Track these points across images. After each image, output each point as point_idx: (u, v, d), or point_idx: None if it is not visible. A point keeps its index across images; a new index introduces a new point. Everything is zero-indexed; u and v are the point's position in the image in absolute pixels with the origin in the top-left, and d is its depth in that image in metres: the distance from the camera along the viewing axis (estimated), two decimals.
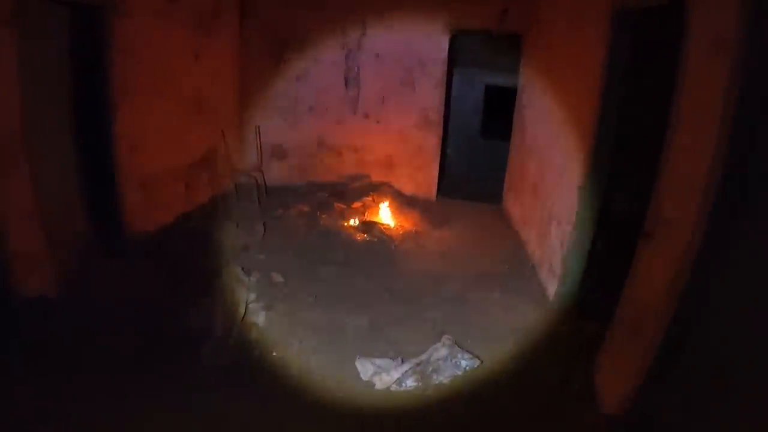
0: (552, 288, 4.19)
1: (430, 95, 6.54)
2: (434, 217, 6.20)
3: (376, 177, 6.88)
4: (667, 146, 2.50)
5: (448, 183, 7.46)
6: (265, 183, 6.33)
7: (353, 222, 5.59)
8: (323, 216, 5.77)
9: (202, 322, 3.36)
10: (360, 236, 5.21)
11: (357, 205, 6.15)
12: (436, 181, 6.88)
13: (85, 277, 3.70)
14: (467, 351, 3.27)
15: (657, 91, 2.78)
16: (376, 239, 5.14)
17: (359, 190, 6.62)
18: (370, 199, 6.35)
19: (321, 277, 4.34)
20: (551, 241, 4.43)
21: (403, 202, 6.54)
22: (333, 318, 3.69)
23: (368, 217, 5.85)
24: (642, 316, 2.57)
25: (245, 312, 3.63)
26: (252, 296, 3.86)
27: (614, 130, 3.53)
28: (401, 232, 5.57)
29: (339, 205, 6.09)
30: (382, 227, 5.52)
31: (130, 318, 3.35)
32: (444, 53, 6.38)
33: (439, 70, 6.45)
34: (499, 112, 9.27)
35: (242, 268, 4.22)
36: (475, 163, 8.90)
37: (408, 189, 6.87)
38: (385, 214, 5.96)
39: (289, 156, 6.87)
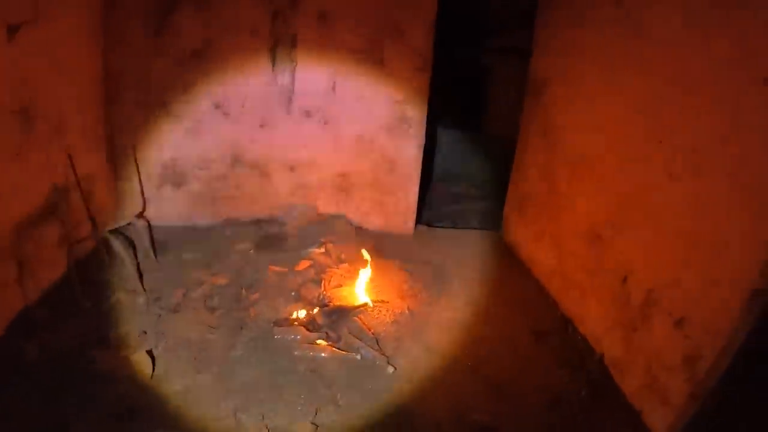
0: (660, 421, 2.71)
1: (408, 79, 4.45)
2: (423, 271, 4.24)
3: (326, 207, 4.78)
4: None
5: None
6: (151, 236, 4.00)
7: (306, 310, 3.49)
8: (252, 297, 3.63)
9: None
10: (326, 347, 3.15)
11: (304, 265, 4.03)
12: (415, 209, 4.87)
13: None
14: None
15: None
16: (356, 353, 3.12)
17: (303, 232, 4.49)
18: (322, 251, 4.24)
19: None
20: (655, 344, 2.81)
21: (373, 245, 4.49)
22: None
23: (327, 291, 3.76)
24: None
25: None
26: None
27: None
28: (389, 320, 3.56)
29: (275, 269, 3.95)
30: (354, 313, 3.49)
31: None
32: (432, 12, 4.25)
33: (422, 38, 4.33)
34: (456, 94, 7.36)
35: None
36: (436, 161, 6.98)
37: (374, 222, 4.86)
38: (352, 281, 3.90)
39: (188, 180, 4.54)
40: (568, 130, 3.99)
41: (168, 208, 4.53)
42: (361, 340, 3.23)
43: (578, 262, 3.75)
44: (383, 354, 3.17)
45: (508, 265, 4.64)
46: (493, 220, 5.31)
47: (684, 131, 2.70)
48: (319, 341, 3.20)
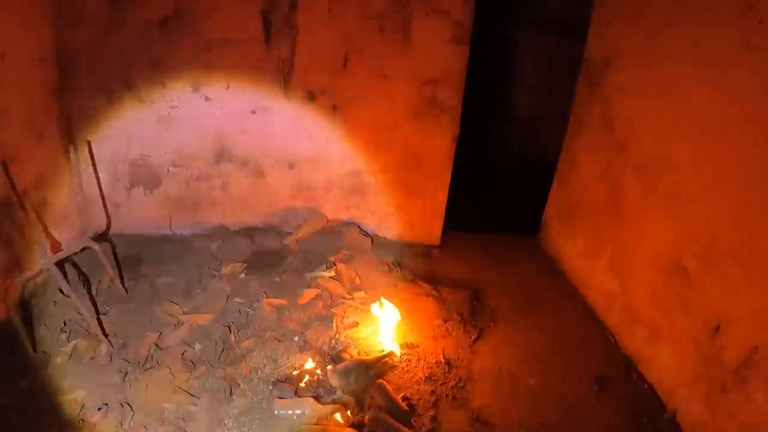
0: None
1: (440, 54, 3.69)
2: (457, 297, 3.59)
3: (334, 212, 4.10)
4: None
5: None
6: (117, 261, 3.31)
7: (315, 365, 2.82)
8: (244, 344, 2.97)
9: None
10: (344, 428, 2.49)
11: (309, 295, 3.39)
12: (443, 213, 4.17)
13: None
14: None
15: None
16: None
17: (306, 247, 3.80)
18: (331, 274, 3.56)
19: None
20: (752, 414, 2.32)
21: (391, 260, 3.83)
22: None
23: (340, 333, 3.11)
24: None
25: None
26: None
27: None
28: (422, 375, 2.90)
29: (272, 302, 3.29)
30: (378, 369, 2.84)
31: None
32: None
33: (460, 3, 3.53)
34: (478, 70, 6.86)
35: None
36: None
37: (394, 230, 4.21)
38: (371, 317, 3.23)
39: (164, 181, 3.84)
40: (643, 127, 3.27)
41: (141, 215, 3.88)
42: (389, 413, 2.56)
43: (650, 295, 3.14)
44: None
45: (553, 285, 4.03)
46: (527, 223, 4.66)
47: None
48: (335, 417, 2.54)
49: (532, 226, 4.65)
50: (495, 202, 5.31)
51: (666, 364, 2.95)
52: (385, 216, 4.13)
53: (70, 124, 3.53)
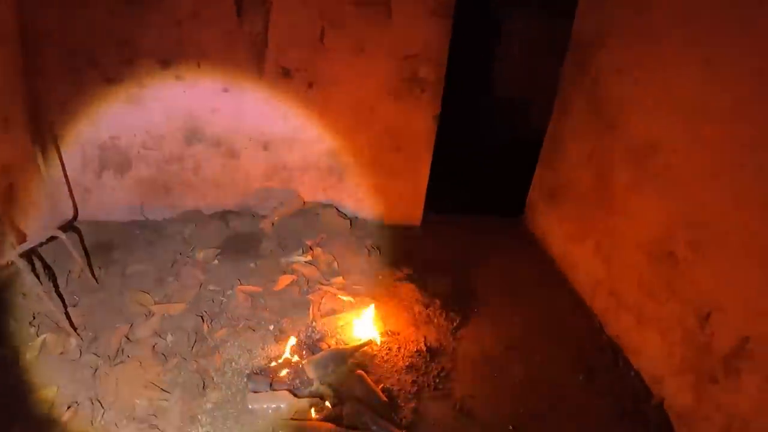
0: None
1: (421, 28, 3.58)
2: (439, 281, 3.55)
3: (311, 194, 4.02)
4: None
5: None
6: (85, 250, 3.22)
7: (290, 355, 2.79)
8: (217, 334, 2.92)
9: None
10: (320, 423, 2.45)
11: (285, 281, 3.32)
12: (424, 194, 4.13)
13: None
14: None
15: None
16: (363, 430, 2.44)
17: (282, 230, 3.74)
18: (308, 258, 3.50)
19: None
20: (742, 405, 2.31)
21: (370, 243, 3.78)
22: None
23: (317, 321, 3.06)
24: None
25: None
26: None
27: None
28: (403, 365, 2.86)
29: (246, 289, 3.24)
30: (357, 359, 2.81)
31: None
32: None
33: None
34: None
35: None
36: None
37: (373, 211, 4.16)
38: (349, 302, 3.19)
39: (134, 164, 3.72)
40: (632, 108, 3.22)
41: (112, 200, 3.77)
42: (369, 405, 2.53)
43: (637, 281, 3.12)
44: (400, 428, 2.49)
45: (538, 269, 4.02)
46: (511, 204, 4.66)
47: None
48: (311, 411, 2.50)
49: (516, 209, 4.63)
50: (479, 184, 5.28)
51: (653, 351, 2.95)
52: (364, 197, 4.08)
53: (37, 108, 3.38)
